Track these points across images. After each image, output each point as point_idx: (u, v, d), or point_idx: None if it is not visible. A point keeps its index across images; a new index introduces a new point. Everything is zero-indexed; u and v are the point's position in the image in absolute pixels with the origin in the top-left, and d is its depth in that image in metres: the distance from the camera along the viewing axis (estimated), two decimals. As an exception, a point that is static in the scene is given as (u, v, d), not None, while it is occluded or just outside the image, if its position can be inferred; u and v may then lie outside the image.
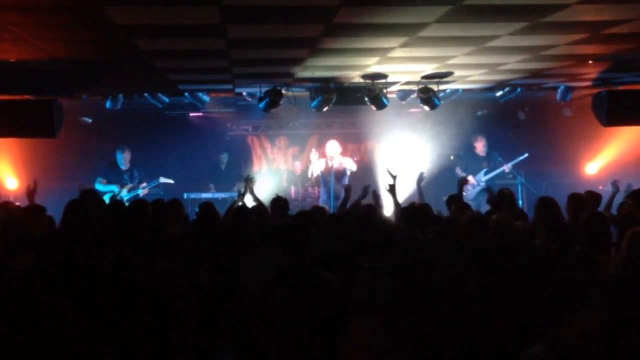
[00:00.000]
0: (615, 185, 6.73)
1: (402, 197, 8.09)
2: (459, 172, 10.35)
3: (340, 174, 9.78)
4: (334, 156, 9.79)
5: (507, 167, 9.97)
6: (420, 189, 6.97)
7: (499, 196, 6.45)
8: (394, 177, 6.54)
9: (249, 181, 6.44)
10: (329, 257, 4.22)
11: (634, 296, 3.46)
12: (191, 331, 4.55)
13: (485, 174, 10.06)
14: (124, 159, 9.81)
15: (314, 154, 10.09)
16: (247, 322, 4.60)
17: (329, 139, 10.47)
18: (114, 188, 9.61)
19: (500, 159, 10.06)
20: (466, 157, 10.59)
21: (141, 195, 9.59)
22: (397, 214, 5.94)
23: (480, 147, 10.35)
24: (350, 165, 9.89)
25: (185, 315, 4.30)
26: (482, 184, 9.81)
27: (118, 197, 9.35)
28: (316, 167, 10.03)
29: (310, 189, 11.27)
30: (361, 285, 4.05)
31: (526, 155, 10.25)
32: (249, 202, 6.60)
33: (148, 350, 3.98)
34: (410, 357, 3.96)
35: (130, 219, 5.51)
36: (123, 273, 4.28)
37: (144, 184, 9.78)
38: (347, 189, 6.61)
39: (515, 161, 10.05)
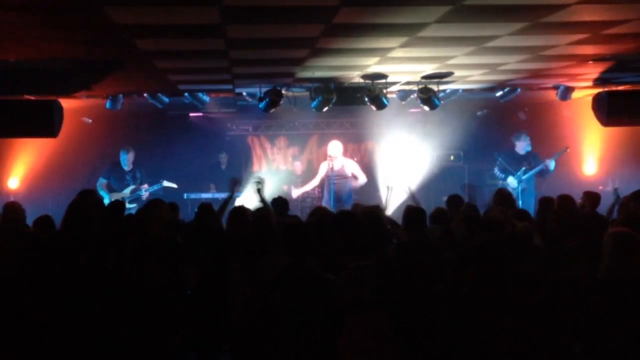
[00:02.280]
0: (616, 193, 6.74)
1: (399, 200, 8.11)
2: (497, 173, 9.96)
3: (341, 176, 9.70)
4: (335, 156, 9.69)
5: (548, 163, 9.54)
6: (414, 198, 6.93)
7: (497, 196, 6.44)
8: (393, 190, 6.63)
9: (259, 183, 6.32)
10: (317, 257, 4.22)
11: (627, 299, 3.43)
12: (186, 331, 4.56)
13: (525, 172, 9.60)
14: (127, 160, 9.78)
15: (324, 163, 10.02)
16: (247, 321, 4.60)
17: (329, 139, 10.43)
18: (121, 194, 9.58)
19: (537, 161, 9.70)
20: (505, 157, 9.91)
21: (144, 197, 9.59)
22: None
23: (522, 145, 9.84)
24: (358, 172, 9.83)
25: (174, 315, 4.31)
26: (522, 184, 9.50)
27: (120, 199, 9.35)
28: (322, 170, 10.02)
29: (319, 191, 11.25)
30: (347, 285, 4.05)
31: (567, 149, 10.02)
32: (254, 203, 6.54)
33: (145, 350, 3.99)
34: (398, 357, 3.96)
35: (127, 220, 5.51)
36: (122, 273, 4.29)
37: (146, 186, 9.78)
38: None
39: (556, 156, 9.69)
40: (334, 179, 9.48)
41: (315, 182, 10.18)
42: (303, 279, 3.75)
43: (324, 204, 9.57)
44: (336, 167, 9.57)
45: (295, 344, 3.68)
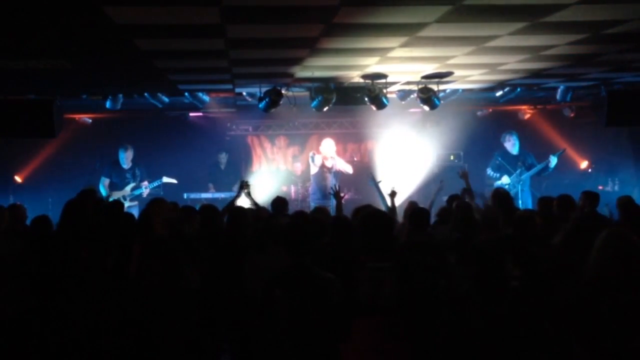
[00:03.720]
0: (608, 208, 6.76)
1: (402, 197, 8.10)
2: (490, 173, 9.93)
3: (337, 173, 9.73)
4: (332, 155, 9.67)
5: (550, 160, 9.44)
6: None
7: (495, 196, 6.44)
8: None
9: (244, 186, 6.42)
10: (330, 258, 4.21)
11: (613, 295, 3.43)
12: (187, 331, 4.55)
13: (521, 173, 9.50)
14: (125, 158, 9.78)
15: (316, 157, 9.91)
16: (247, 322, 4.60)
17: (327, 138, 10.40)
18: (121, 192, 9.57)
19: (532, 160, 9.65)
20: (500, 157, 9.82)
21: (144, 194, 9.58)
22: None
23: (510, 145, 9.80)
24: (346, 167, 9.82)
25: (176, 314, 4.30)
26: (519, 186, 9.44)
27: (121, 197, 9.36)
28: (313, 167, 9.95)
29: (310, 189, 11.24)
30: (364, 285, 4.03)
31: (564, 150, 10.05)
32: (247, 205, 6.58)
33: (146, 349, 3.98)
34: (412, 358, 3.95)
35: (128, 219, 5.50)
36: (122, 273, 4.28)
37: (146, 183, 9.78)
38: (337, 195, 6.59)
39: (556, 155, 9.58)
40: (333, 177, 9.48)
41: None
42: (302, 279, 3.74)
43: (314, 202, 9.49)
44: (335, 166, 9.59)
45: (295, 343, 3.68)
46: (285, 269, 3.81)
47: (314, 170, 9.79)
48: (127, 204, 9.22)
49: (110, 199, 9.20)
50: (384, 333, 3.86)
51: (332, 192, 6.92)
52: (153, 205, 5.53)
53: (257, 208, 6.15)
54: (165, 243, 4.82)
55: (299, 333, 3.67)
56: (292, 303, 3.67)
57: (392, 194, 6.42)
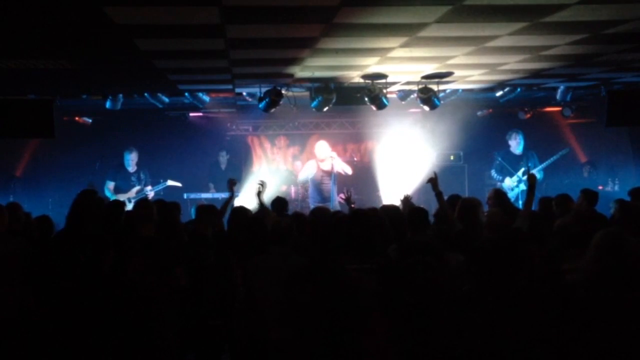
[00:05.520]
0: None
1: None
2: (494, 174, 9.98)
3: (336, 174, 9.68)
4: (330, 155, 9.62)
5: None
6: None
7: (495, 196, 6.44)
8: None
9: (261, 186, 6.40)
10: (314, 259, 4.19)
11: (606, 299, 3.41)
12: (184, 332, 4.54)
13: (524, 174, 9.40)
14: (131, 160, 9.78)
15: (311, 163, 9.88)
16: (247, 322, 4.59)
17: (329, 138, 10.39)
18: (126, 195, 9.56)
19: (534, 161, 9.67)
20: (500, 158, 9.89)
21: (149, 197, 9.57)
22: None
23: (515, 144, 9.83)
24: (345, 167, 9.79)
25: (164, 315, 4.29)
26: (521, 186, 9.42)
27: (126, 201, 9.35)
28: (305, 172, 9.90)
29: (309, 190, 11.22)
30: None
31: (567, 150, 10.03)
32: (253, 204, 6.57)
33: (141, 351, 3.98)
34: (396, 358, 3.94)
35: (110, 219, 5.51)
36: (119, 274, 4.28)
37: (150, 186, 9.77)
38: (348, 200, 6.65)
39: (557, 156, 9.67)
40: (333, 179, 9.48)
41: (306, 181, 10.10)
42: (325, 275, 3.70)
43: (314, 204, 9.46)
44: (332, 167, 9.56)
45: (319, 341, 3.63)
46: (307, 265, 3.75)
47: (312, 173, 9.79)
48: (130, 207, 9.20)
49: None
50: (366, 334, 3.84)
51: (343, 200, 6.96)
52: (137, 207, 5.60)
53: (264, 209, 6.13)
54: (150, 244, 4.80)
55: (322, 330, 3.61)
56: (315, 299, 3.61)
57: (406, 201, 6.38)
